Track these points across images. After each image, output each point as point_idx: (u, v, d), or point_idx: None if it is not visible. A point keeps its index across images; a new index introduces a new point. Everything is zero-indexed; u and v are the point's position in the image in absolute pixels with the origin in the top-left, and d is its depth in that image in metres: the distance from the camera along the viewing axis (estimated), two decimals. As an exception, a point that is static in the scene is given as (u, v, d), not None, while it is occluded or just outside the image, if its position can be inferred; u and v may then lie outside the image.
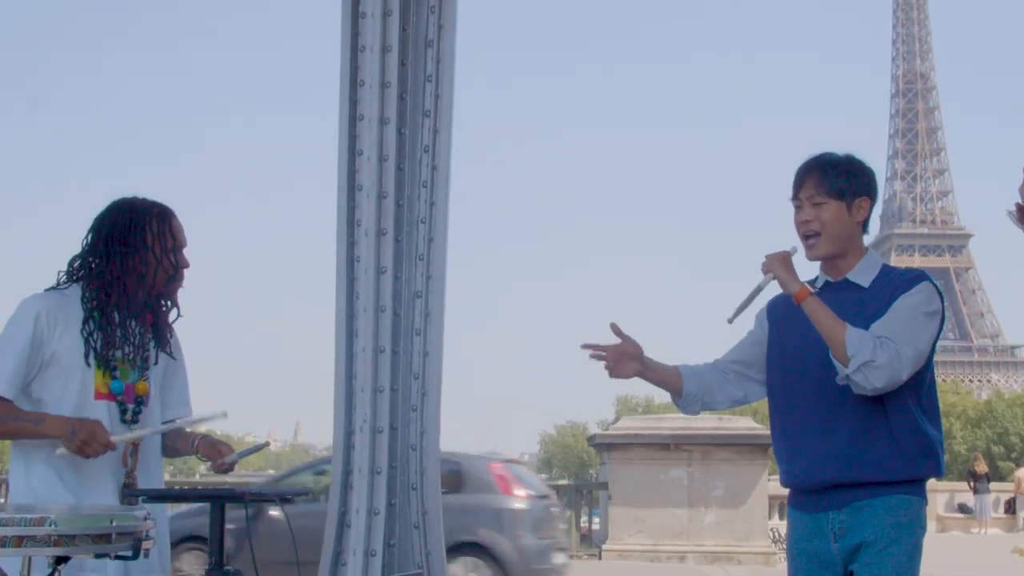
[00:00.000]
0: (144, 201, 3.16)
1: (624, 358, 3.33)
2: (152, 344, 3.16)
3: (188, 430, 3.23)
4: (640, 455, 14.51)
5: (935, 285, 3.13)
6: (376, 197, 4.91)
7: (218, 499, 2.67)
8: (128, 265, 3.01)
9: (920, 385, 3.10)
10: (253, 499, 2.93)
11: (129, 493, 2.79)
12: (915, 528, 3.08)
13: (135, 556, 2.10)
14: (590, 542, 15.77)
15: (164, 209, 3.16)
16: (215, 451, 3.18)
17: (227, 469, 3.16)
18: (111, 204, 3.14)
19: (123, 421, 3.01)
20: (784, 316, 3.24)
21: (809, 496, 3.17)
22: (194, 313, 3.24)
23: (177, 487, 2.98)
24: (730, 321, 3.22)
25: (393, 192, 4.93)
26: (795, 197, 3.20)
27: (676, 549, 14.15)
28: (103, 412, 2.95)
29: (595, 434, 17.67)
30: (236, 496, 2.69)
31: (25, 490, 2.88)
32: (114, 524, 2.07)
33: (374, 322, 4.84)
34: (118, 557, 2.09)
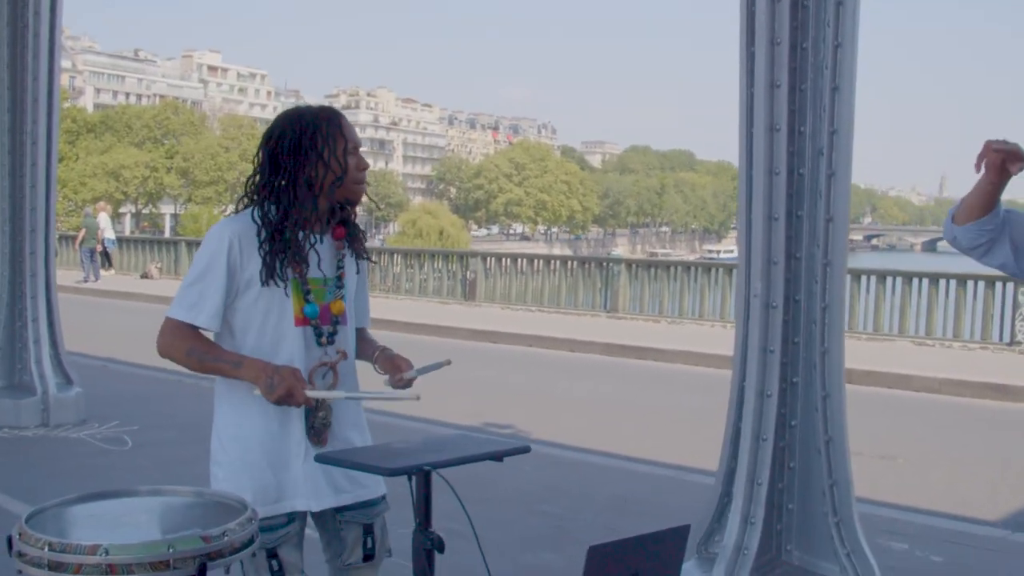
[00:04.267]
0: (309, 108, 3.00)
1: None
2: (348, 257, 3.05)
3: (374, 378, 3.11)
4: None
5: None
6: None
7: (408, 474, 2.55)
8: (298, 176, 2.89)
9: None
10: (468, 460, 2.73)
11: (320, 460, 2.78)
12: None
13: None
14: None
15: (332, 112, 2.99)
16: (393, 366, 3.03)
17: (406, 385, 3.01)
18: (277, 117, 3.01)
19: (319, 344, 2.94)
20: None
21: None
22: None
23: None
24: None
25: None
26: None
27: None
28: (299, 337, 2.90)
29: None
30: (422, 470, 2.53)
31: (235, 428, 2.94)
32: (172, 551, 2.10)
33: (767, 186, 4.40)
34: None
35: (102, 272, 25.99)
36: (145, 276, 26.94)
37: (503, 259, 22.58)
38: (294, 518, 2.93)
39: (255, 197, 2.95)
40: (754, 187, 4.43)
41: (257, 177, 2.95)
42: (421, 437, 2.90)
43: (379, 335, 3.29)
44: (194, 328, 2.87)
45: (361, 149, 3.05)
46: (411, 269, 23.87)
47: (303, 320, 2.92)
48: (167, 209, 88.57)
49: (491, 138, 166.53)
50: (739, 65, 4.52)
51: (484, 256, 22.85)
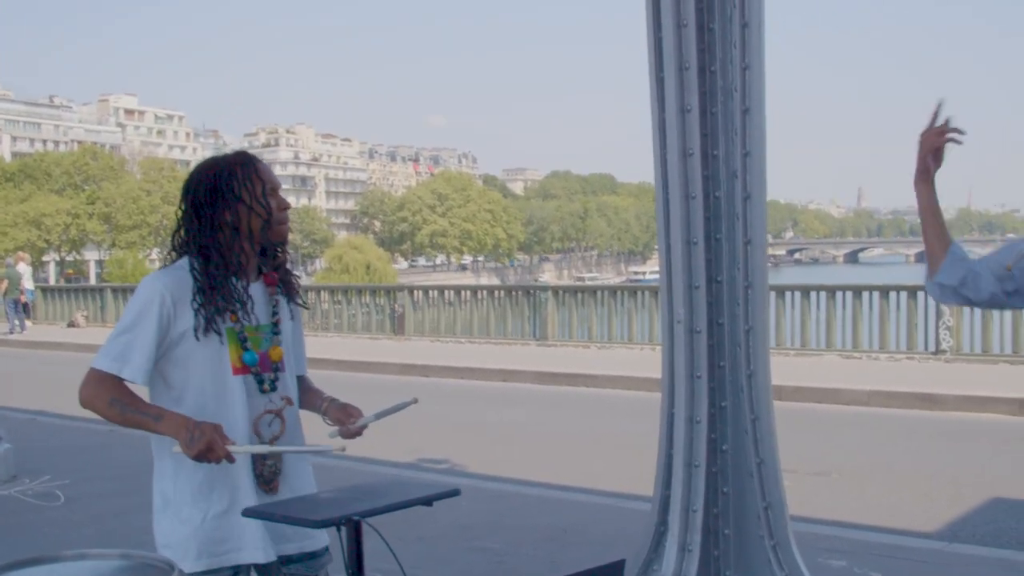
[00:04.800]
0: (224, 155, 2.99)
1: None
2: (282, 303, 3.01)
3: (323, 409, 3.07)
4: None
5: None
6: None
7: (334, 525, 2.48)
8: (220, 223, 2.86)
9: None
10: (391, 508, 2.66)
11: (248, 514, 2.68)
12: None
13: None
14: None
15: (246, 156, 2.98)
16: (346, 414, 2.98)
17: (357, 433, 2.96)
18: (192, 169, 2.99)
19: (261, 392, 2.89)
20: None
21: None
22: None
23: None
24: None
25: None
26: None
27: None
28: (240, 387, 2.84)
29: None
30: (351, 520, 2.46)
31: (176, 481, 2.86)
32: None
33: (684, 211, 4.39)
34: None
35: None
36: (72, 325, 26.41)
37: (430, 291, 22.47)
38: (239, 570, 2.85)
39: (183, 250, 2.91)
40: (671, 212, 4.41)
41: (182, 231, 2.91)
42: (350, 484, 2.83)
43: (311, 374, 3.24)
44: (119, 380, 2.80)
45: (283, 187, 3.03)
46: (339, 305, 23.69)
47: (243, 369, 2.87)
48: (91, 256, 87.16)
49: (412, 170, 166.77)
50: (649, 91, 4.52)
51: (411, 289, 22.74)
